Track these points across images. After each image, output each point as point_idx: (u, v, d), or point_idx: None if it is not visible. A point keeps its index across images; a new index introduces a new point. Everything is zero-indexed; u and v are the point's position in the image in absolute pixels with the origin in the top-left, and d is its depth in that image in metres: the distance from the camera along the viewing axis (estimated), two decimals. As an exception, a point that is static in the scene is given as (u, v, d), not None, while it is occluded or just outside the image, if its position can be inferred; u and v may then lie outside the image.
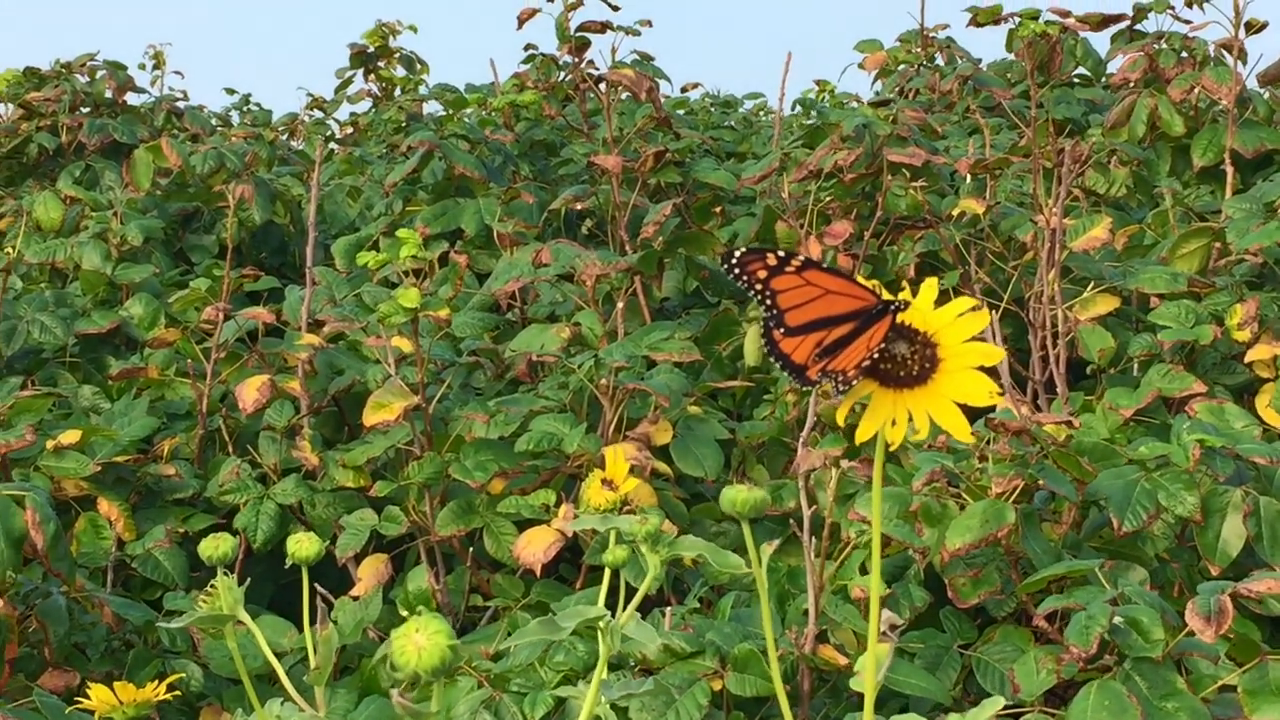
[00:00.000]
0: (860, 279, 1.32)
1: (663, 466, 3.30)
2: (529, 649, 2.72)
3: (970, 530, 2.72)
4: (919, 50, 6.21)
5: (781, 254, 1.29)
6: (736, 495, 1.42)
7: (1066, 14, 5.77)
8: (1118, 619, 2.38)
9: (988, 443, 2.91)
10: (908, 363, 1.26)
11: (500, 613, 3.25)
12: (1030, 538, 2.81)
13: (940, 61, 6.38)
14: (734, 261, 1.29)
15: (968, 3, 5.68)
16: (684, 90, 8.59)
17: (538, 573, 3.07)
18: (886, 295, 1.29)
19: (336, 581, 3.38)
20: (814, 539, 2.70)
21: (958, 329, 1.28)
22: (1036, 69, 4.09)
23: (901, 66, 6.21)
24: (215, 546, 1.61)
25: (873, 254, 4.17)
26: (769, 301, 1.30)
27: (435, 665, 1.06)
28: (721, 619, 2.80)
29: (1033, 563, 2.78)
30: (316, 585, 3.19)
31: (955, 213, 3.99)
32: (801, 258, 1.30)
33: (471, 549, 3.31)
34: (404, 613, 3.23)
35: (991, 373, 3.46)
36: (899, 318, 1.27)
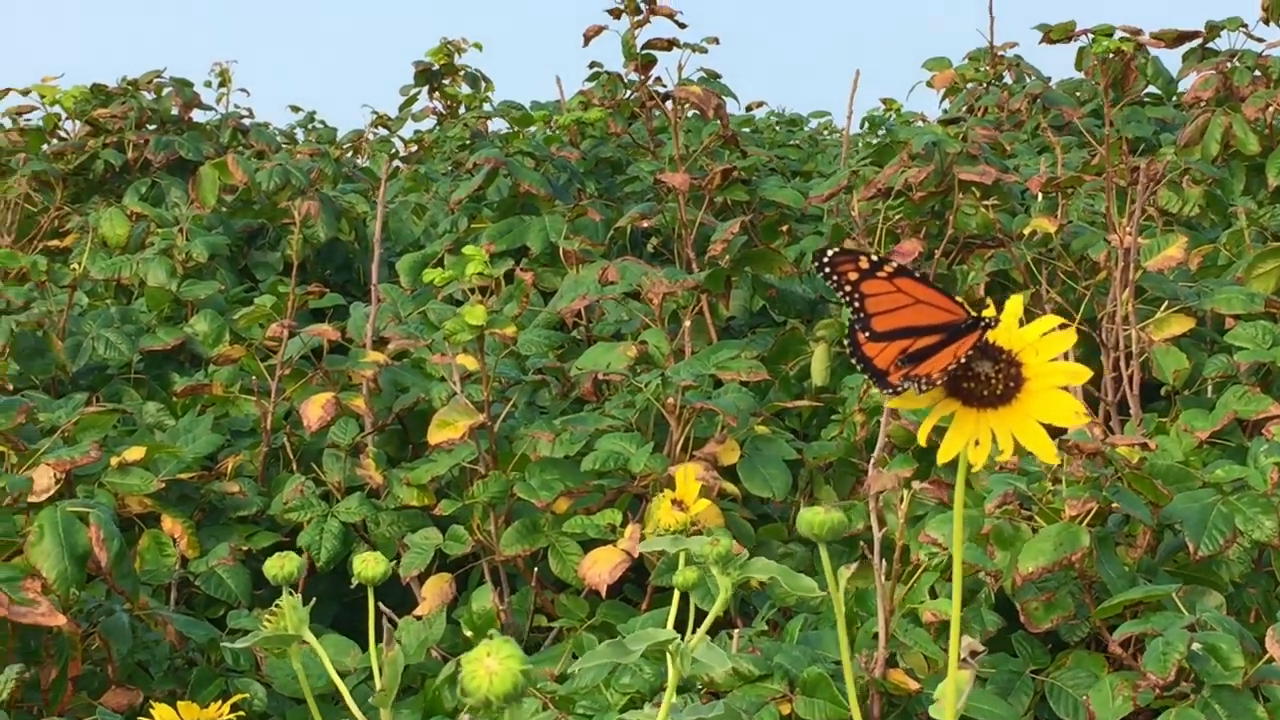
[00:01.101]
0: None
1: (730, 487, 3.26)
2: (594, 671, 2.69)
3: (1043, 554, 2.68)
4: (988, 68, 6.16)
5: (875, 258, 1.27)
6: (814, 518, 1.39)
7: (1138, 31, 5.72)
8: (1196, 645, 2.34)
9: (1061, 465, 2.86)
10: (992, 382, 1.23)
11: (565, 634, 3.22)
12: (1105, 561, 2.76)
13: (1009, 80, 6.33)
14: (826, 261, 1.27)
15: (1037, 20, 5.64)
16: (749, 109, 8.56)
17: (604, 593, 3.04)
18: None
19: (400, 600, 3.36)
20: (884, 561, 2.66)
21: (1042, 348, 1.25)
22: (1110, 86, 4.04)
23: (970, 84, 6.17)
24: (280, 565, 1.59)
25: (942, 273, 4.12)
26: (857, 304, 1.28)
27: (507, 691, 1.03)
28: (790, 642, 2.76)
29: (1107, 587, 2.73)
30: (380, 604, 3.18)
31: (1026, 231, 3.95)
32: (895, 264, 1.27)
33: (536, 569, 3.28)
34: (468, 633, 3.21)
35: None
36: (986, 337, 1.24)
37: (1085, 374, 1.26)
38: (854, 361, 1.28)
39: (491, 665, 1.03)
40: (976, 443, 1.23)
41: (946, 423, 1.25)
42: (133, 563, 3.15)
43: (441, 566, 3.41)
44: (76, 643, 2.75)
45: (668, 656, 1.56)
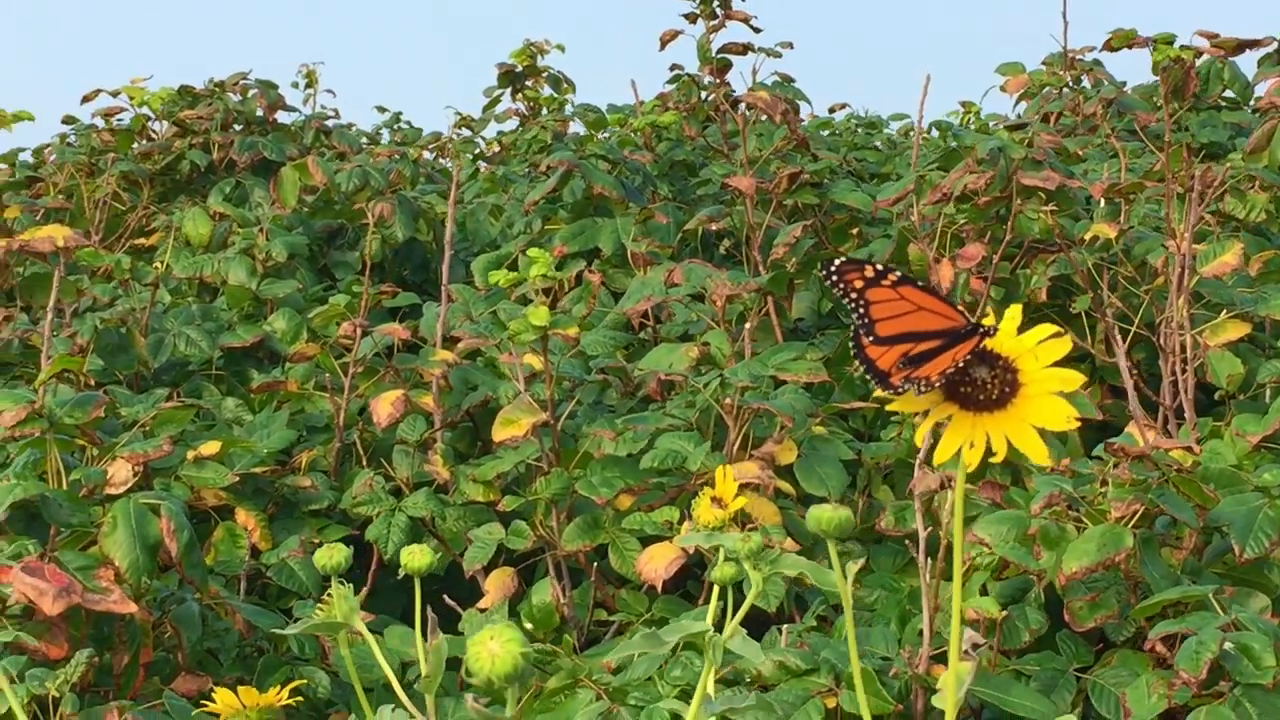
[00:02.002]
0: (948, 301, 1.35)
1: (786, 486, 3.32)
2: (646, 663, 2.76)
3: (1087, 554, 2.73)
4: (1063, 73, 6.19)
5: (879, 267, 1.33)
6: (822, 514, 1.45)
7: (1214, 35, 5.73)
8: (1228, 645, 2.39)
9: (1115, 466, 2.91)
10: (988, 386, 1.29)
11: (624, 628, 3.30)
12: (1149, 563, 2.81)
13: (1086, 84, 6.35)
14: (833, 270, 1.33)
15: (1113, 25, 5.66)
16: (831, 111, 8.59)
17: (659, 588, 3.11)
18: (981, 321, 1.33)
19: (467, 593, 3.44)
20: (930, 560, 2.72)
21: (1039, 355, 1.30)
22: (1171, 94, 4.07)
23: (1046, 89, 6.19)
24: (329, 556, 1.65)
25: (1005, 277, 4.17)
26: (861, 310, 1.34)
27: (508, 672, 1.10)
28: (837, 637, 2.82)
29: (1151, 588, 2.78)
30: (446, 597, 3.27)
31: (1088, 237, 3.99)
32: (898, 273, 1.33)
33: (597, 564, 3.36)
34: (528, 625, 3.29)
35: (1121, 395, 3.45)
36: (984, 343, 1.30)
37: (1078, 380, 1.31)
38: (858, 363, 1.34)
39: (494, 648, 1.11)
40: (972, 444, 1.29)
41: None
42: (204, 554, 3.25)
43: (507, 561, 3.49)
44: (148, 630, 2.85)
45: (708, 650, 1.61)
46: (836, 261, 1.34)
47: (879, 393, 1.32)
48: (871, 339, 1.33)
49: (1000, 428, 1.29)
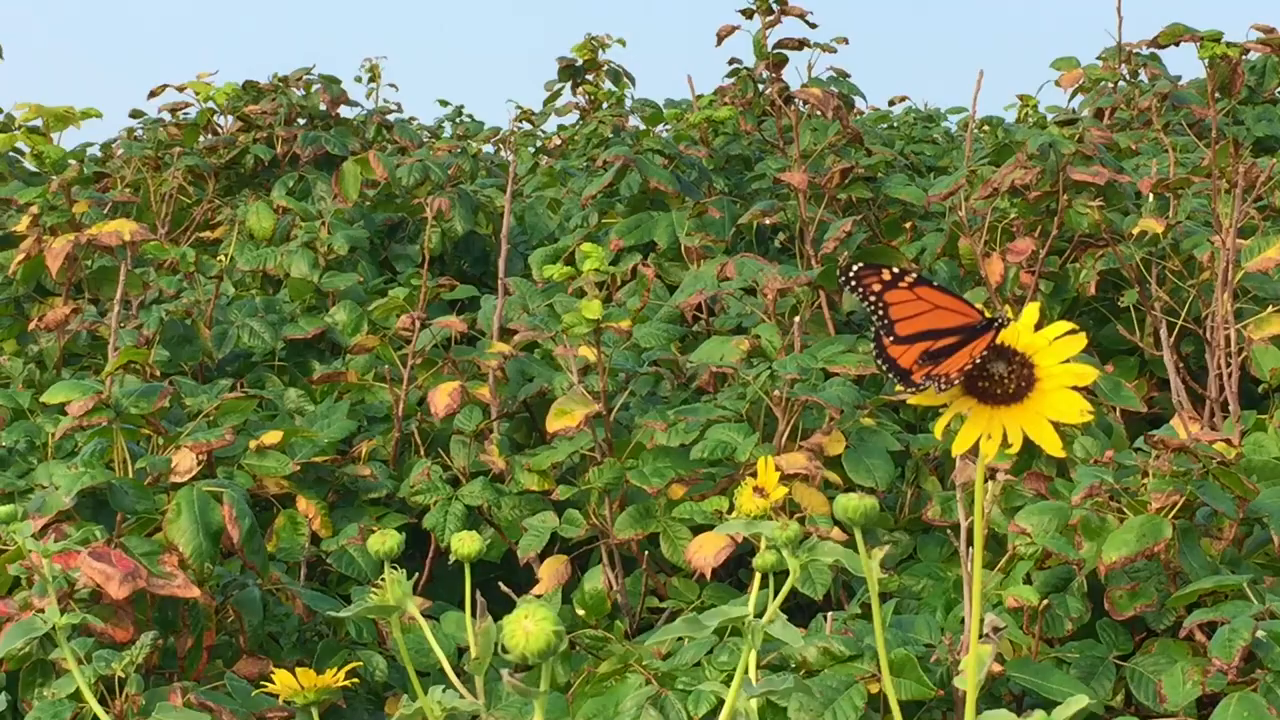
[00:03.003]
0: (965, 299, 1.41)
1: (834, 476, 3.38)
2: (695, 649, 2.82)
3: (1127, 544, 2.78)
4: (1119, 67, 6.21)
5: (896, 270, 1.38)
6: (849, 503, 1.50)
7: (1270, 30, 5.76)
8: (1261, 633, 2.43)
9: (1156, 458, 2.96)
10: (1005, 381, 1.34)
11: (675, 615, 3.37)
12: (1188, 553, 2.86)
13: (1144, 78, 6.37)
14: (851, 274, 1.39)
15: (1171, 19, 5.69)
16: (890, 104, 8.63)
17: (708, 576, 3.17)
18: (990, 314, 1.38)
19: (523, 581, 3.52)
20: (970, 549, 2.77)
21: (1055, 351, 1.36)
22: (1217, 90, 4.11)
23: (1101, 84, 6.22)
24: (382, 542, 1.71)
25: (1054, 271, 4.21)
26: (880, 312, 1.39)
27: (541, 649, 1.17)
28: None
29: (1190, 578, 2.83)
30: (501, 584, 3.34)
31: (1136, 231, 4.03)
32: (914, 275, 1.39)
33: (648, 552, 3.43)
34: (580, 611, 3.36)
35: (1167, 388, 3.49)
36: (1000, 337, 1.35)
37: (1092, 374, 1.37)
38: (879, 363, 1.40)
39: (528, 626, 1.18)
40: (989, 436, 1.35)
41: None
42: (265, 540, 3.34)
43: (561, 549, 3.56)
44: (211, 614, 2.94)
45: (748, 634, 1.67)
46: (855, 267, 1.39)
47: (899, 390, 1.37)
48: (892, 339, 1.39)
49: (1016, 420, 1.34)
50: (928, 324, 1.40)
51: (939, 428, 1.37)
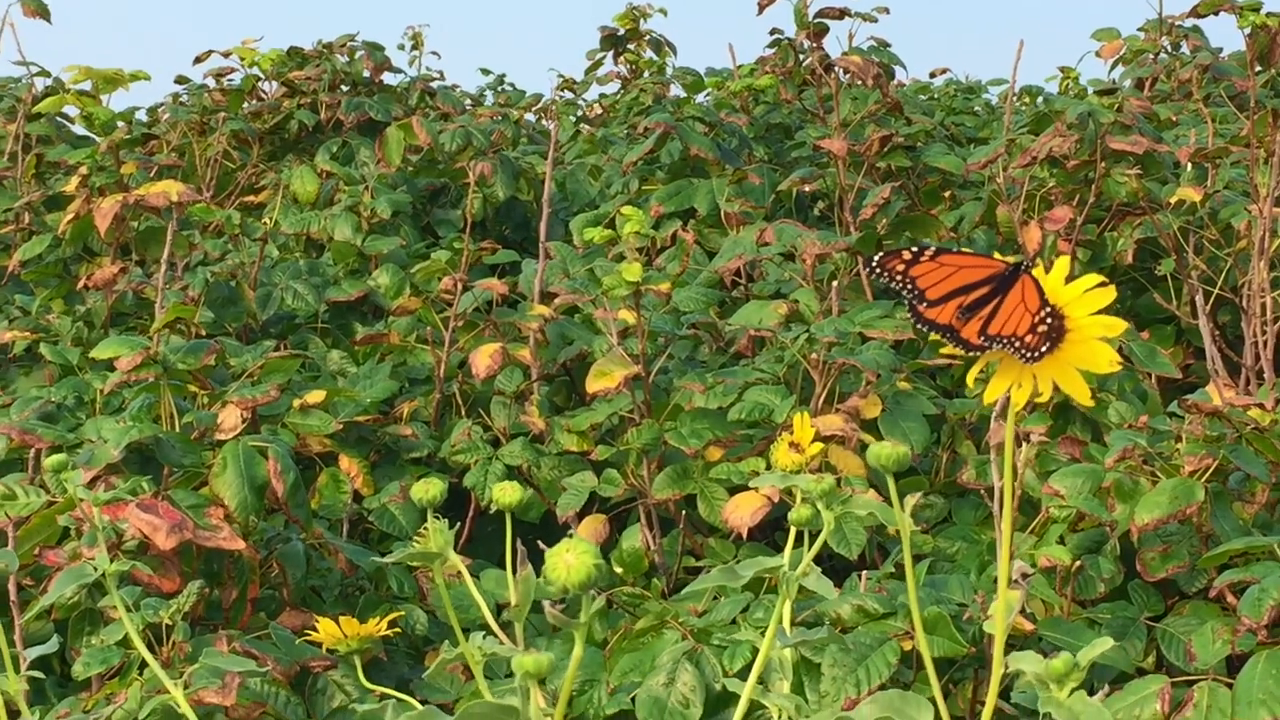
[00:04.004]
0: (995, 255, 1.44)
1: (870, 439, 3.41)
2: (730, 606, 2.86)
3: (1159, 506, 2.82)
4: (1160, 39, 6.21)
5: (916, 249, 1.42)
6: (881, 450, 1.53)
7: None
8: (1289, 593, 2.46)
9: (1189, 422, 2.99)
10: (1045, 350, 1.37)
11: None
12: (1220, 516, 2.89)
13: (1186, 50, 6.36)
14: (874, 264, 1.42)
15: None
16: (931, 76, 8.64)
17: (744, 535, 3.21)
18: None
19: (560, 540, 3.55)
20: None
21: (1085, 303, 1.39)
22: (1256, 59, 4.12)
23: (1143, 55, 6.22)
24: (425, 490, 1.73)
25: (1091, 239, 4.24)
26: (909, 286, 1.42)
27: (582, 580, 1.21)
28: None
29: (1221, 541, 2.86)
30: (540, 543, 3.38)
31: (1173, 200, 4.05)
32: (935, 248, 1.43)
33: (685, 512, 3.46)
34: (618, 569, 3.41)
35: (1201, 356, 3.53)
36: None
37: (1121, 326, 1.40)
38: (921, 328, 1.43)
39: (570, 559, 1.22)
40: (1020, 385, 1.38)
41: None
42: (308, 496, 3.39)
43: (600, 509, 3.60)
44: (255, 567, 2.99)
45: (783, 585, 1.70)
46: (877, 257, 1.43)
47: (950, 349, 1.40)
48: (925, 304, 1.43)
49: (1047, 371, 1.37)
50: (956, 283, 1.43)
51: (971, 376, 1.41)
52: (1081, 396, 1.37)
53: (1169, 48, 6.27)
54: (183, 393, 3.27)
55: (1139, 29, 6.29)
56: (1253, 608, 2.47)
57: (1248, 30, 4.02)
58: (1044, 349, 1.33)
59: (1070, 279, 1.41)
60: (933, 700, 1.47)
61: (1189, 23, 6.34)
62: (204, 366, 3.25)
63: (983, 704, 2.68)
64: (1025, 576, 1.62)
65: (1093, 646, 1.47)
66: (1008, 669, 1.49)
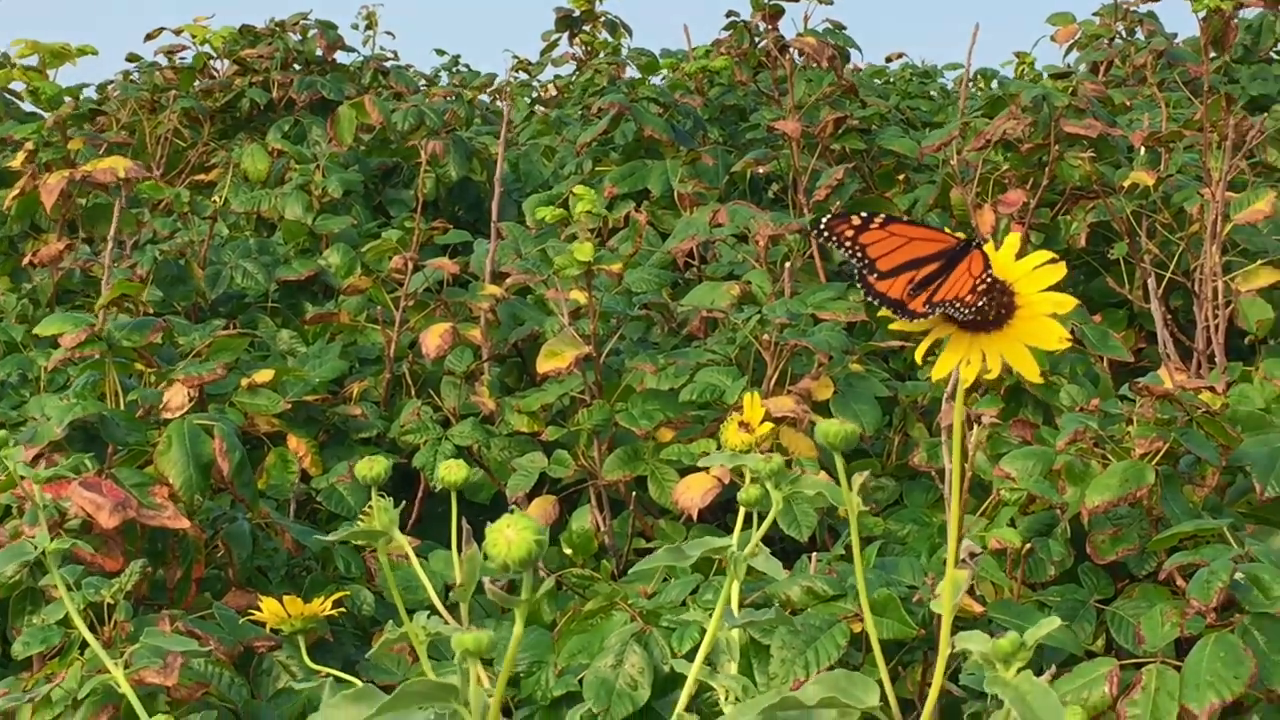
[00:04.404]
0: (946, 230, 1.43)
1: (821, 421, 3.39)
2: (680, 588, 2.85)
3: (1109, 489, 2.81)
4: (1115, 24, 6.21)
5: (865, 215, 1.40)
6: (830, 428, 1.51)
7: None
8: (1239, 575, 2.46)
9: (1140, 405, 2.98)
10: (985, 308, 1.35)
11: (660, 556, 3.38)
12: (1170, 499, 2.88)
13: (1140, 35, 6.36)
14: (822, 227, 1.40)
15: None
16: (887, 60, 8.62)
17: (695, 516, 3.19)
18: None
19: (506, 518, 3.52)
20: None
21: (1035, 279, 1.37)
22: (1211, 43, 4.12)
23: (1096, 39, 6.22)
24: (370, 468, 1.71)
25: (1044, 223, 4.23)
26: (859, 254, 1.40)
27: (523, 556, 1.18)
28: (866, 566, 2.90)
29: (1172, 524, 2.85)
30: (489, 524, 3.36)
31: (1126, 184, 4.04)
32: (884, 216, 1.41)
33: (636, 494, 3.44)
34: (568, 551, 3.38)
35: (1153, 340, 3.52)
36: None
37: (1071, 303, 1.38)
38: (872, 300, 1.41)
39: (510, 535, 1.19)
40: (968, 362, 1.37)
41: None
42: (256, 476, 3.36)
43: (550, 490, 3.58)
44: (200, 547, 2.95)
45: (731, 566, 1.68)
46: (825, 219, 1.41)
47: (900, 324, 1.38)
48: (876, 275, 1.41)
49: (996, 347, 1.35)
50: (907, 255, 1.41)
51: (919, 353, 1.39)
52: (1030, 373, 1.35)
53: (1124, 33, 6.27)
54: (128, 371, 3.23)
55: (1094, 13, 6.28)
56: (1201, 590, 2.46)
57: (1202, 15, 4.02)
58: (981, 304, 1.31)
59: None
60: (880, 682, 1.46)
61: (1144, 8, 6.35)
62: (150, 344, 3.21)
63: (931, 686, 2.67)
64: (973, 556, 1.61)
65: (1040, 626, 1.46)
66: (955, 649, 1.48)
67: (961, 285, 1.35)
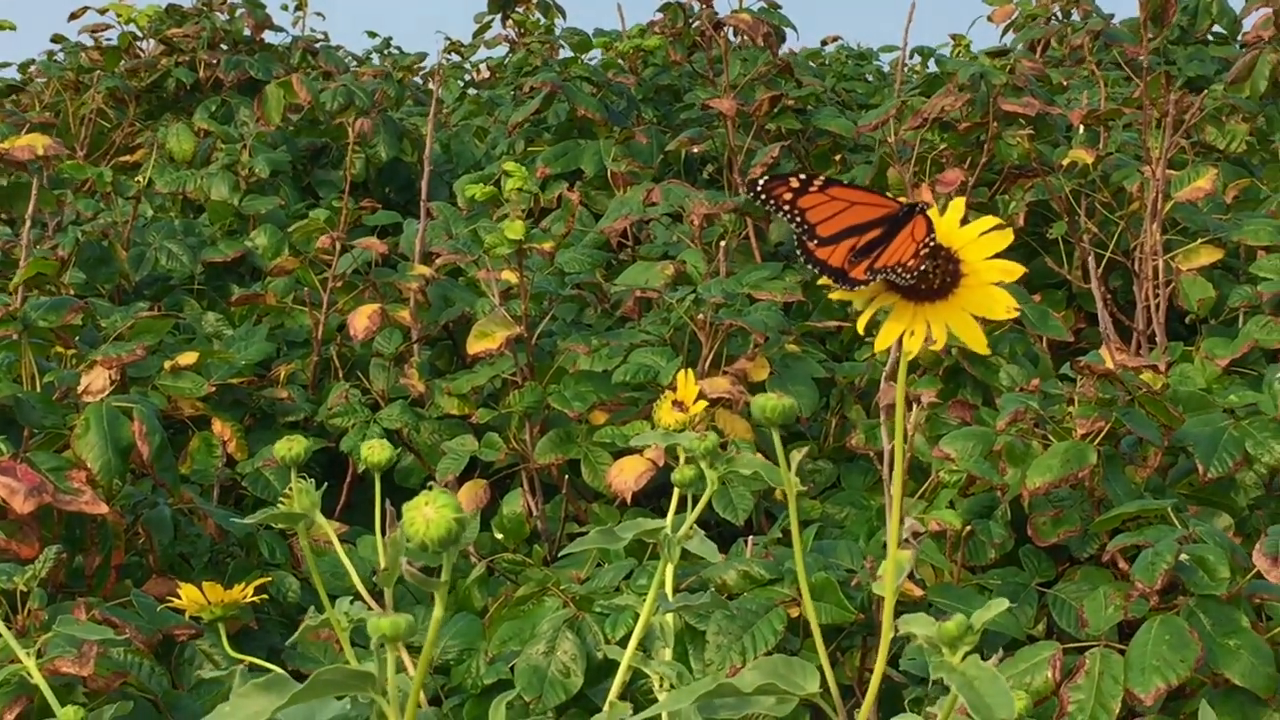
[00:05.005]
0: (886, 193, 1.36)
1: (758, 402, 3.34)
2: (613, 573, 2.79)
3: (1051, 470, 2.76)
4: (1051, 4, 6.17)
5: (804, 176, 1.33)
6: (766, 402, 1.45)
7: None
8: (1184, 556, 2.41)
9: (1082, 385, 2.93)
10: (929, 276, 1.29)
11: (592, 540, 3.32)
12: (1112, 480, 2.83)
13: (1076, 16, 6.33)
14: (760, 188, 1.33)
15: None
16: (823, 43, 8.57)
17: (628, 500, 3.14)
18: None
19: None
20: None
21: (980, 246, 1.31)
22: (1149, 20, 4.08)
23: (1033, 20, 6.19)
24: (289, 448, 1.64)
25: (983, 202, 4.18)
26: (798, 218, 1.34)
27: (442, 536, 1.11)
28: (804, 549, 2.84)
29: (1114, 505, 2.81)
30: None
31: (1065, 162, 4.00)
32: (824, 177, 1.34)
33: (569, 478, 3.38)
34: (499, 536, 3.32)
35: (1096, 320, 3.47)
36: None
37: (1018, 271, 1.32)
38: (811, 268, 1.34)
39: (429, 513, 1.12)
40: (912, 333, 1.30)
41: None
42: (179, 462, 3.27)
43: (481, 474, 3.52)
44: (120, 532, 2.87)
45: (665, 549, 1.62)
46: (761, 180, 1.34)
47: (839, 293, 1.32)
48: (816, 241, 1.34)
49: (941, 317, 1.29)
50: (849, 220, 1.35)
51: (861, 323, 1.33)
52: (977, 344, 1.29)
53: (1060, 14, 6.24)
54: (45, 352, 3.14)
55: (1031, -8, 6.25)
56: (1146, 572, 2.41)
57: (1143, -11, 3.98)
58: (924, 268, 1.25)
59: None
60: (820, 668, 1.40)
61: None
62: (69, 326, 3.12)
63: (871, 671, 2.61)
64: (916, 536, 1.55)
65: (987, 608, 1.40)
66: (898, 632, 1.43)
67: (904, 250, 1.29)
